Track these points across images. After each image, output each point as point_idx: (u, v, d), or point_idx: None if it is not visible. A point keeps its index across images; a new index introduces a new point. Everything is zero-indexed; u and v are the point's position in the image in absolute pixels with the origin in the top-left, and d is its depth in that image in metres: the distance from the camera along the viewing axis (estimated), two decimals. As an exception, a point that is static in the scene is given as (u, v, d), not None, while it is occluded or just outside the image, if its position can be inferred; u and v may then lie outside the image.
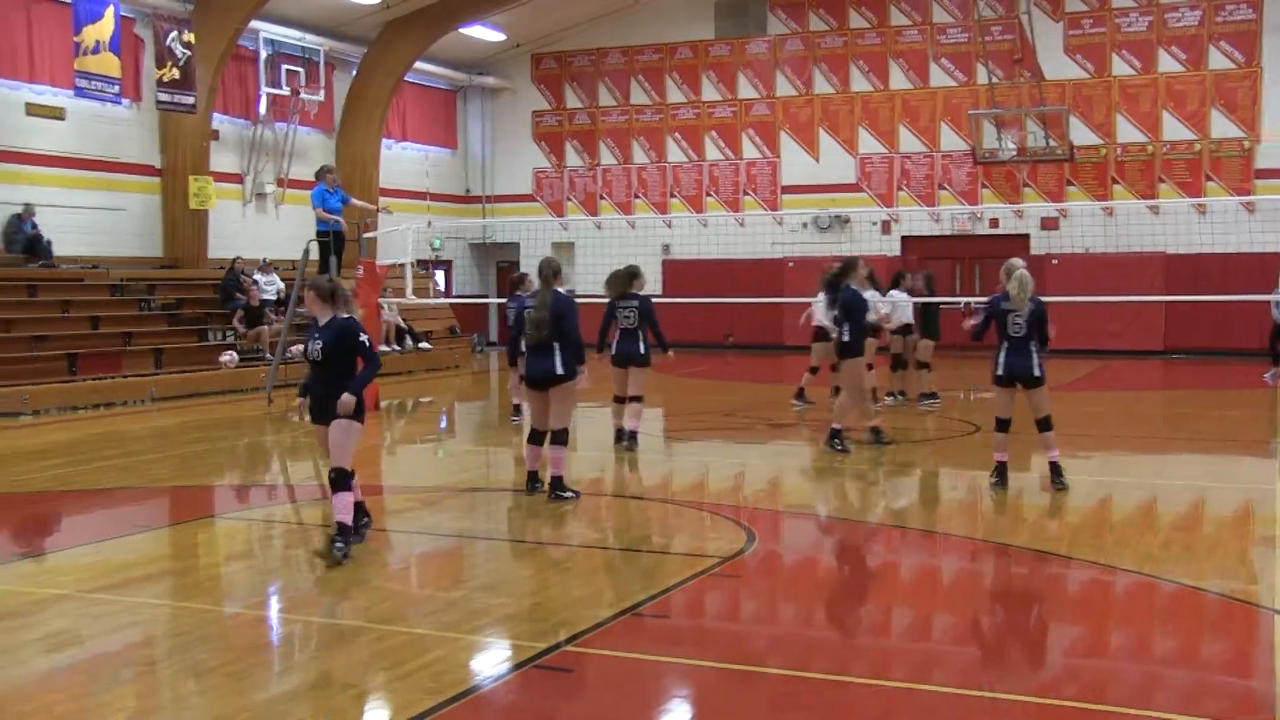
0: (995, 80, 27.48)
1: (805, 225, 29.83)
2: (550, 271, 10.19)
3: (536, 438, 10.38)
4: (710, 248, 28.48)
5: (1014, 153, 27.51)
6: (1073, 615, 7.25)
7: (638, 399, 13.00)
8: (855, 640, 6.71)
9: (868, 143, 29.82)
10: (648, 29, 31.63)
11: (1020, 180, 28.47)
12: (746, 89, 30.96)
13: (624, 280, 13.03)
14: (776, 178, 30.68)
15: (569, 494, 10.11)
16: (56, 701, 5.53)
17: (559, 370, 10.00)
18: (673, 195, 31.64)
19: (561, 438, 10.17)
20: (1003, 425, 10.54)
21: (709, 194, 31.27)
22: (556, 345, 10.01)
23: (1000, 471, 10.59)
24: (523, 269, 29.83)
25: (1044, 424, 10.43)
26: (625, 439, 12.93)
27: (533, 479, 10.37)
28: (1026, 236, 28.22)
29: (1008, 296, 10.38)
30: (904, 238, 29.24)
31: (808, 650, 6.38)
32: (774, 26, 30.64)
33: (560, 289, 10.23)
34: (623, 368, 12.99)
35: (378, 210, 18.48)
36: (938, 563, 8.68)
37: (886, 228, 29.33)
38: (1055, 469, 10.48)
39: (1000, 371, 10.41)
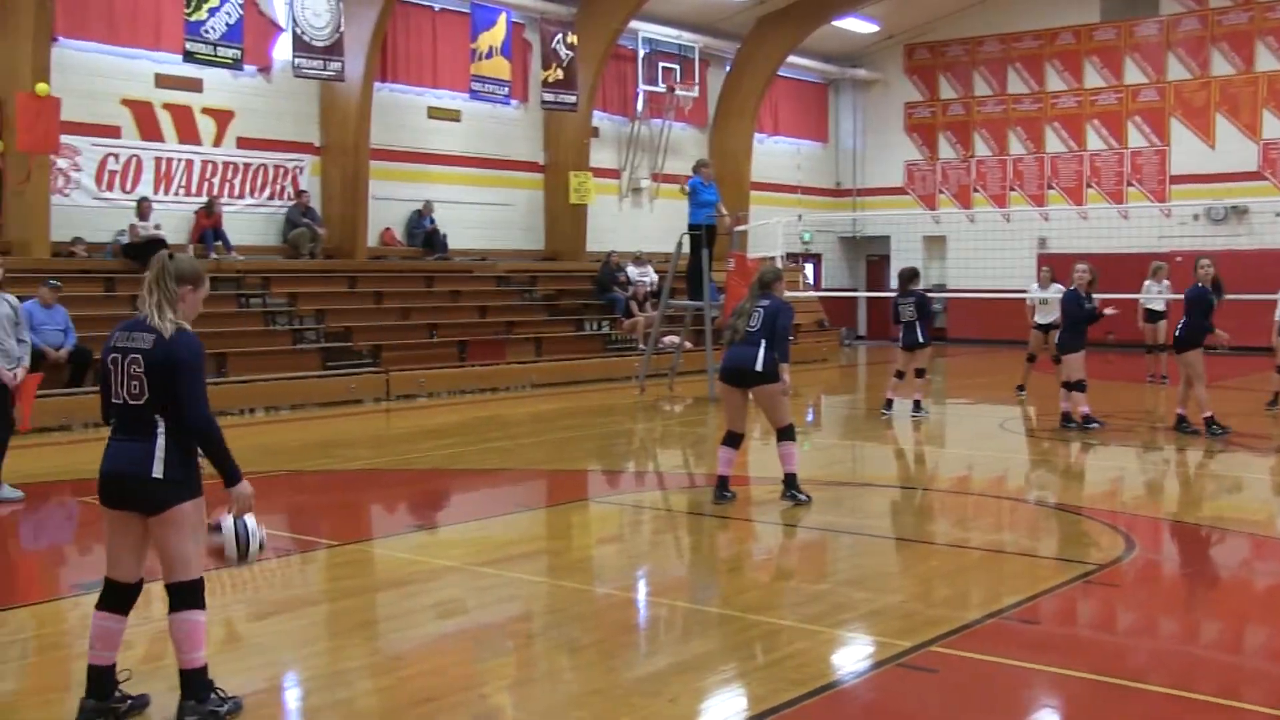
0: None
1: (1196, 217, 27.97)
2: (773, 277, 9.80)
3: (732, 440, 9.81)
4: (1090, 241, 27.13)
5: None
6: None
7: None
8: (1248, 663, 6.24)
9: (1273, 126, 27.57)
10: (1027, 15, 30.52)
11: None
12: (1133, 74, 29.32)
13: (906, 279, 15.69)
14: (1165, 167, 28.91)
15: (802, 496, 9.67)
16: (448, 665, 5.93)
17: (759, 367, 9.43)
18: (1051, 187, 30.41)
19: (788, 434, 9.69)
20: None
21: (1090, 185, 29.85)
22: (763, 342, 9.45)
23: None
24: (894, 264, 29.57)
25: None
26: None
27: (723, 485, 9.80)
28: None
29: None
30: (1311, 229, 26.93)
31: (1193, 669, 5.99)
32: (1167, 6, 28.86)
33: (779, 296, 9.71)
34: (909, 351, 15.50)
35: (727, 218, 18.73)
36: (1345, 584, 7.95)
37: (1291, 219, 27.10)
38: None
39: None
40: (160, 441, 4.93)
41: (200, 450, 5.05)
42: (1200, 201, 27.79)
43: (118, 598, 5.08)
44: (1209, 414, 13.45)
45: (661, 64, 27.30)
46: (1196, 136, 28.50)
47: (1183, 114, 28.69)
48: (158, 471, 4.91)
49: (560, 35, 24.15)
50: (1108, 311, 14.07)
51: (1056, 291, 17.15)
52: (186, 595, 4.98)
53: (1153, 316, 19.34)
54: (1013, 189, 30.97)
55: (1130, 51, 29.38)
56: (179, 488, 4.96)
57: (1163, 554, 8.71)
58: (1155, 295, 19.17)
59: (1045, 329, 17.44)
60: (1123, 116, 29.50)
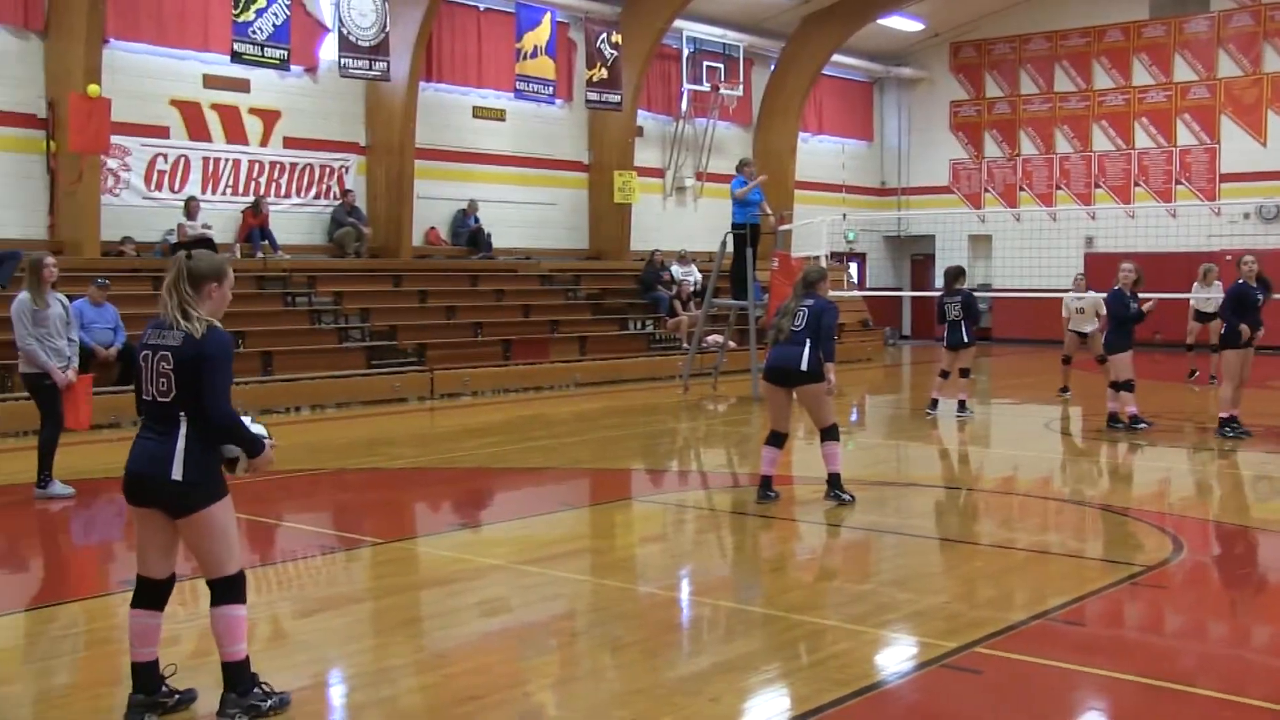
0: None
1: (1247, 216, 27.62)
2: (817, 276, 9.75)
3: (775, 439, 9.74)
4: (1138, 240, 26.84)
5: None
6: None
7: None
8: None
9: (1326, 124, 27.19)
10: (1074, 12, 30.26)
11: None
12: (1183, 71, 29.00)
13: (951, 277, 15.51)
14: (1215, 165, 28.57)
15: (846, 496, 9.64)
16: (493, 663, 5.96)
17: (803, 366, 9.39)
18: (1098, 185, 30.14)
19: (831, 434, 9.65)
20: None
21: (1138, 184, 29.56)
22: (808, 342, 9.40)
23: None
24: (939, 263, 29.40)
25: None
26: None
27: (766, 485, 9.77)
28: None
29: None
30: (1365, 228, 26.51)
31: (1243, 673, 5.91)
32: (1218, 2, 28.50)
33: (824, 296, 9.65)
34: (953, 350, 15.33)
35: (771, 217, 18.71)
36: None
37: (1344, 218, 26.70)
38: None
39: None
40: (181, 443, 4.92)
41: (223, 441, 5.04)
42: (1251, 200, 27.44)
43: (150, 594, 5.12)
44: (1224, 414, 13.34)
45: (706, 63, 27.30)
46: (1248, 134, 28.15)
47: (1233, 111, 28.34)
48: (177, 474, 4.91)
49: (605, 34, 24.18)
50: (1148, 306, 13.94)
51: (1094, 298, 16.92)
52: (225, 590, 5.02)
53: (1202, 317, 19.22)
54: (1059, 188, 30.71)
55: (1180, 48, 29.06)
56: (200, 490, 4.95)
57: (1212, 556, 8.61)
58: (1205, 297, 19.02)
59: (1083, 335, 17.30)
60: (1172, 114, 29.18)
